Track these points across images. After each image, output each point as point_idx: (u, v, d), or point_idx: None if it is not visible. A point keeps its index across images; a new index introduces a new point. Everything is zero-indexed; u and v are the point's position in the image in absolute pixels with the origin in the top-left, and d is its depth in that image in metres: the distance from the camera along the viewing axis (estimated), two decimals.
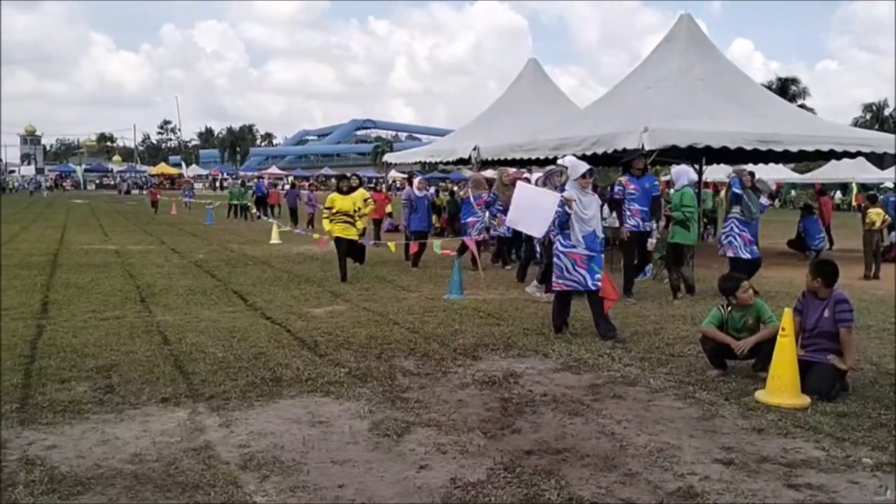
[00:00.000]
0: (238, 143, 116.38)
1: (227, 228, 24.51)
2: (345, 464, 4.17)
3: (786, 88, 54.31)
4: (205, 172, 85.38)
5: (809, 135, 14.23)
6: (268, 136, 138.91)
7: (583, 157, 11.11)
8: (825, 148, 14.66)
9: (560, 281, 7.56)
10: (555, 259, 7.64)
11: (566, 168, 7.90)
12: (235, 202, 31.84)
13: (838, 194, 45.01)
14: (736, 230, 10.01)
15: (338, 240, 11.91)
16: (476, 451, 4.37)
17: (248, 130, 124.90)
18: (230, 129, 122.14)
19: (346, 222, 11.93)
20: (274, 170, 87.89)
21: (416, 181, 15.16)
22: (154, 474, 3.97)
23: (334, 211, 11.94)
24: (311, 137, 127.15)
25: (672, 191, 11.59)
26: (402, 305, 9.37)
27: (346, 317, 8.57)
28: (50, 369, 6.01)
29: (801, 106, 39.40)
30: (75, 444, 4.43)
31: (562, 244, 7.54)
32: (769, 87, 38.30)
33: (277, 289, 10.71)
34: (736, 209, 10.10)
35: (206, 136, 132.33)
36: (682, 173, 10.39)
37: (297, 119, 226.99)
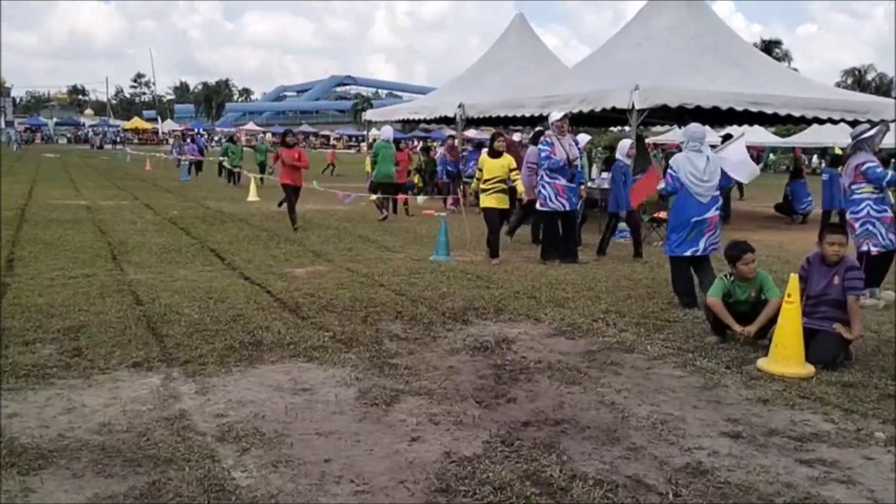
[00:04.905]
0: (213, 97, 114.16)
1: (203, 185, 23.85)
2: (331, 436, 3.90)
3: (769, 51, 54.01)
4: (179, 128, 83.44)
5: (802, 97, 14.00)
6: (245, 92, 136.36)
7: (570, 116, 10.78)
8: (809, 115, 14.62)
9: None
10: (869, 226, 7.30)
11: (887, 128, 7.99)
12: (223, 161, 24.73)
13: (815, 159, 45.04)
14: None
15: (491, 213, 9.72)
16: (470, 423, 4.12)
17: (224, 85, 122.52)
18: (206, 84, 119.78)
19: (501, 191, 9.72)
20: (251, 126, 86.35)
21: (624, 145, 10.50)
22: (124, 446, 3.67)
23: (486, 178, 9.66)
24: (290, 94, 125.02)
25: None
26: (388, 266, 9.06)
27: (328, 278, 8.24)
28: (13, 330, 5.66)
29: None
30: (39, 412, 4.12)
31: (874, 209, 7.30)
32: None
33: (256, 247, 10.34)
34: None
35: (182, 91, 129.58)
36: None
37: (274, 74, 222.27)
